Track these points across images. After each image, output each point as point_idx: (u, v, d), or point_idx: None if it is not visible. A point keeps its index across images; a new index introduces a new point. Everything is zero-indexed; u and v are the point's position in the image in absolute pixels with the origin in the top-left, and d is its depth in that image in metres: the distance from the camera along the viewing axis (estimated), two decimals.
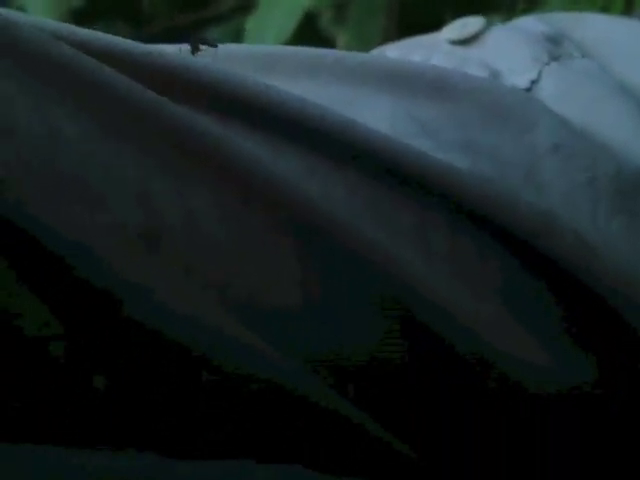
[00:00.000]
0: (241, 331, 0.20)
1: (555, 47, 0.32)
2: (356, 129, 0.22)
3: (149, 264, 0.19)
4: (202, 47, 0.24)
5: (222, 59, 0.25)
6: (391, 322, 0.22)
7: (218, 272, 0.20)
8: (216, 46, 0.25)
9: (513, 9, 0.71)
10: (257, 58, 0.27)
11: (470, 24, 0.34)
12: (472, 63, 0.32)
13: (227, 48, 0.27)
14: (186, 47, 0.24)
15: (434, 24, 0.94)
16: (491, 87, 0.28)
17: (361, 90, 0.26)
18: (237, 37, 1.15)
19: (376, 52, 0.35)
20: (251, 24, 0.68)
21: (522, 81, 0.30)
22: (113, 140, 0.19)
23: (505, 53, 0.32)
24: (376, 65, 0.28)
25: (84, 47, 0.20)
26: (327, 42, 0.84)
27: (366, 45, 0.69)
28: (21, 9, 1.23)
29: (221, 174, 0.20)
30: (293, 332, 0.21)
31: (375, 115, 0.25)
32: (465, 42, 0.34)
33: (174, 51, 0.24)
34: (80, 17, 1.19)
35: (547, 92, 0.30)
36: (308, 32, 0.76)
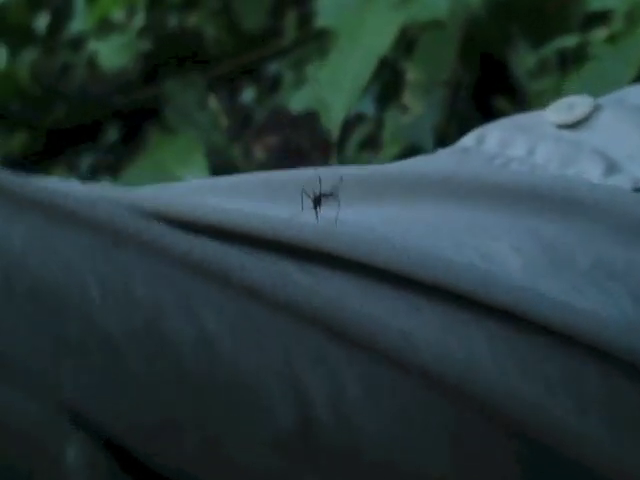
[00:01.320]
0: None
1: None
2: (490, 284, 0.21)
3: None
4: (324, 199, 0.22)
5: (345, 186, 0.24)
6: None
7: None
8: (336, 194, 0.22)
9: (587, 31, 0.69)
10: (366, 183, 0.26)
11: (578, 105, 0.31)
12: (585, 151, 0.29)
13: (339, 172, 0.25)
14: (307, 203, 0.22)
15: (502, 43, 0.92)
16: (621, 199, 0.26)
17: (478, 211, 0.25)
18: (298, 68, 1.17)
19: (475, 135, 0.32)
20: (326, 72, 0.68)
21: None
22: (265, 338, 0.18)
23: (620, 138, 0.29)
24: (491, 180, 0.26)
25: (215, 228, 0.19)
26: (396, 74, 0.84)
27: (435, 76, 0.68)
28: (93, 55, 1.29)
29: (371, 356, 0.18)
30: None
31: (500, 242, 0.23)
32: (574, 125, 0.31)
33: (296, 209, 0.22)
34: (149, 60, 1.24)
35: None
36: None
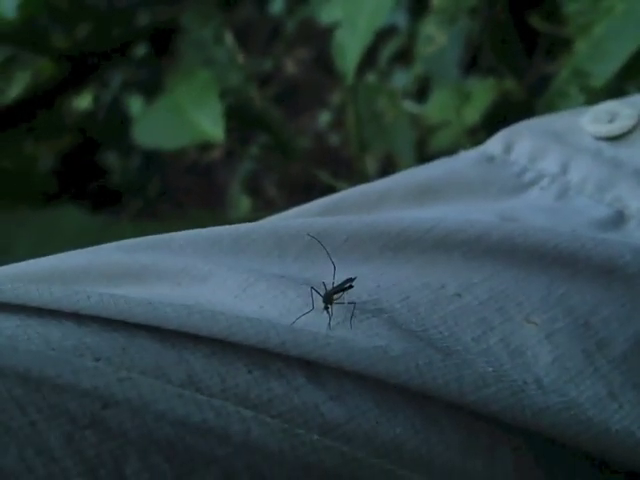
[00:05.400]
0: None
1: None
2: (518, 407, 0.19)
3: None
4: (336, 296, 0.20)
5: (352, 246, 0.22)
6: None
7: None
8: (351, 286, 0.21)
9: None
10: (383, 238, 0.23)
11: (621, 115, 0.27)
12: (626, 173, 0.26)
13: (355, 229, 0.23)
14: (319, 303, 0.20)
15: None
16: None
17: (511, 273, 0.22)
18: None
19: (502, 140, 0.28)
20: (340, 11, 0.64)
21: None
22: None
23: None
24: (527, 242, 0.23)
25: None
26: (420, 1, 0.80)
27: (460, 3, 0.65)
28: None
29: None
30: None
31: (531, 327, 0.21)
32: (615, 138, 0.27)
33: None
34: None
35: None
36: None
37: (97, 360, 0.17)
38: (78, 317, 0.18)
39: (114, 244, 0.23)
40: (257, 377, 0.18)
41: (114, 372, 0.16)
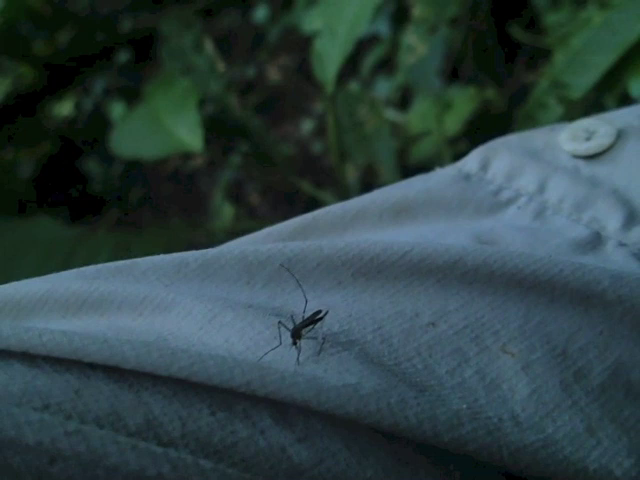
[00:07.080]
0: None
1: None
2: (495, 448, 0.18)
3: None
4: (304, 332, 0.19)
5: (324, 272, 0.22)
6: None
7: None
8: (321, 319, 0.20)
9: None
10: (356, 264, 0.22)
11: (598, 133, 0.27)
12: (603, 192, 0.25)
13: (327, 255, 0.22)
14: (287, 340, 0.19)
15: None
16: None
17: (486, 300, 0.21)
18: None
19: (479, 158, 0.28)
20: (321, 20, 0.64)
21: None
22: None
23: None
24: (503, 265, 0.22)
25: None
26: (403, 10, 0.80)
27: (441, 14, 0.65)
28: None
29: None
30: None
31: (507, 357, 0.20)
32: (593, 156, 0.27)
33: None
34: None
35: None
36: None
37: (46, 407, 0.15)
38: (28, 357, 0.17)
39: (75, 271, 0.22)
40: (220, 419, 0.17)
41: (61, 424, 0.15)
